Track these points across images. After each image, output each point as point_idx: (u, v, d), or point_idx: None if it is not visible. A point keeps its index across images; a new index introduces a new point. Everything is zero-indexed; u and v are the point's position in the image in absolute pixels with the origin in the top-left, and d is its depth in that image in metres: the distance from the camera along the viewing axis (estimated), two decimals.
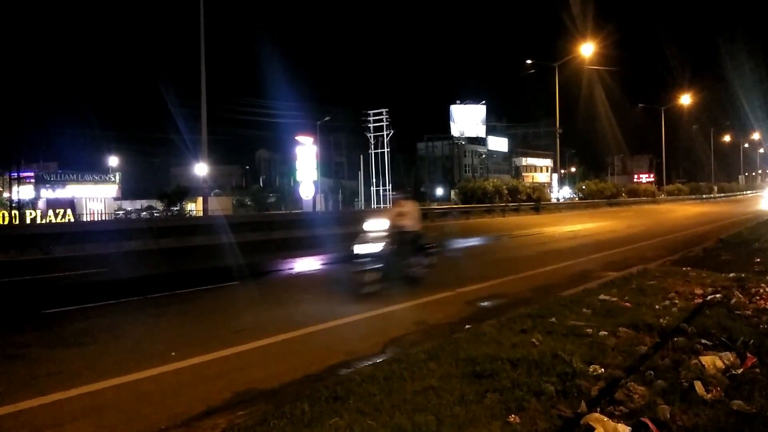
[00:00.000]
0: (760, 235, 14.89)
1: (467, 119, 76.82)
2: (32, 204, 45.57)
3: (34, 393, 4.43)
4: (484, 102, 77.66)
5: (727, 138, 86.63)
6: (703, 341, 4.86)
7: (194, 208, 46.91)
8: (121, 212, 48.19)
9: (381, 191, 57.19)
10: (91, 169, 55.09)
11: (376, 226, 8.81)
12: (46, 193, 48.55)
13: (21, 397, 4.36)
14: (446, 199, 59.42)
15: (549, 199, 45.27)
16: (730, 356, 4.37)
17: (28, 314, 7.68)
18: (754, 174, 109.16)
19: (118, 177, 54.99)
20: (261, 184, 72.24)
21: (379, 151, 57.77)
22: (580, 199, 51.28)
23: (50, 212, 41.46)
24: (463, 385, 3.97)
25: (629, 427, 3.20)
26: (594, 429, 3.18)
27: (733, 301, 6.47)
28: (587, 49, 40.84)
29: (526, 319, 5.81)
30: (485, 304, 7.73)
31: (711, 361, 4.24)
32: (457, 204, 37.30)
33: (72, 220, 39.94)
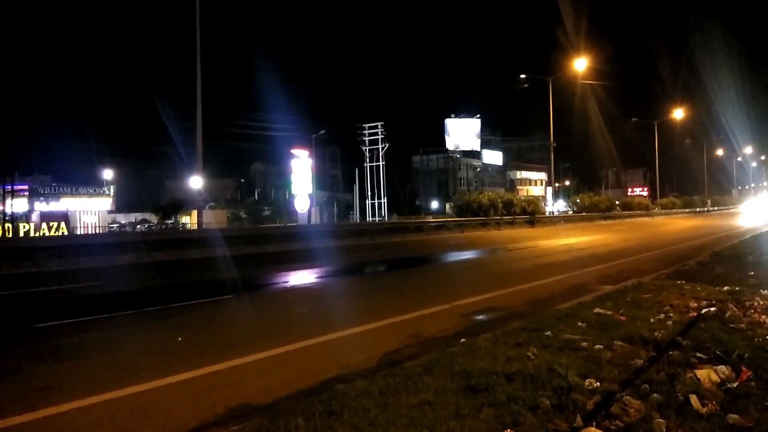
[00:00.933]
0: (753, 249, 14.96)
1: (462, 133, 77.18)
2: (26, 217, 45.39)
3: (26, 408, 4.38)
4: (478, 116, 78.14)
5: (720, 152, 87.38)
6: (698, 355, 4.86)
7: (189, 221, 46.84)
8: (115, 225, 47.98)
9: (376, 204, 57.38)
10: (85, 182, 55.01)
11: None
12: (40, 206, 48.34)
13: (12, 412, 4.31)
14: (441, 212, 59.54)
15: (543, 213, 45.42)
16: (725, 370, 4.37)
17: (21, 328, 7.63)
18: (747, 187, 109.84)
19: (112, 190, 54.87)
20: (256, 197, 72.19)
21: (375, 164, 58.13)
22: (574, 212, 51.53)
23: (44, 225, 41.28)
24: (458, 399, 3.95)
25: None
26: None
27: (727, 314, 6.48)
28: (581, 64, 41.33)
29: (522, 333, 5.80)
30: (481, 317, 7.71)
31: (706, 374, 4.23)
32: (452, 217, 37.39)
33: (66, 233, 39.75)
